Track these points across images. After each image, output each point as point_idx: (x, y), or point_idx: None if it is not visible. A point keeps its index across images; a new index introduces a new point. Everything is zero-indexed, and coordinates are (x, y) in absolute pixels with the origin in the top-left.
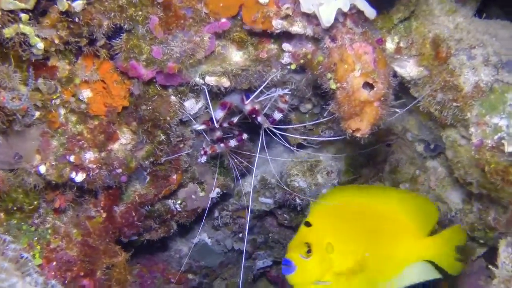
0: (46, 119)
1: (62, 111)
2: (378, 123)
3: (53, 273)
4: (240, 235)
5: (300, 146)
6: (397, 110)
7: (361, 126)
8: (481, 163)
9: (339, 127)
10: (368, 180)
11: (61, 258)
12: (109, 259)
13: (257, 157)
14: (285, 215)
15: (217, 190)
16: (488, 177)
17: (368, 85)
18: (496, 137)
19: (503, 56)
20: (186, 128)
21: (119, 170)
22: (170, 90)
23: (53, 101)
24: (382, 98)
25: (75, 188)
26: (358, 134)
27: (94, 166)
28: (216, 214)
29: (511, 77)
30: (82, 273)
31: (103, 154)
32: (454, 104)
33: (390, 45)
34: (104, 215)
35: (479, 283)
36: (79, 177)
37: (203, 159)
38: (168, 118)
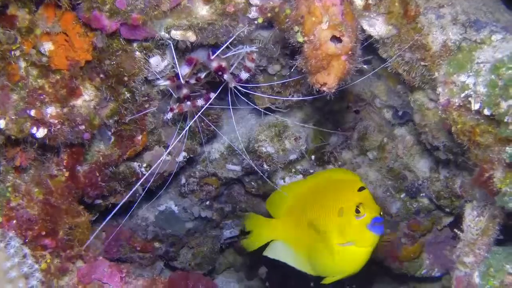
0: (6, 71)
1: (23, 64)
2: (345, 78)
3: (13, 231)
4: (207, 202)
5: (268, 110)
6: (365, 66)
7: (328, 80)
8: (448, 123)
9: (307, 89)
10: (337, 147)
11: (21, 216)
12: (72, 219)
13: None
14: (252, 183)
15: (184, 154)
16: (455, 138)
17: (336, 39)
18: (463, 95)
19: (471, 15)
20: (152, 88)
21: (82, 127)
22: (135, 45)
23: (13, 52)
24: (349, 52)
25: (37, 145)
26: (325, 88)
27: (56, 121)
28: (183, 181)
29: (479, 35)
30: (43, 233)
31: (65, 109)
32: (422, 63)
33: (359, 1)
34: (66, 174)
35: (445, 253)
36: (40, 132)
37: (169, 115)
38: (133, 75)
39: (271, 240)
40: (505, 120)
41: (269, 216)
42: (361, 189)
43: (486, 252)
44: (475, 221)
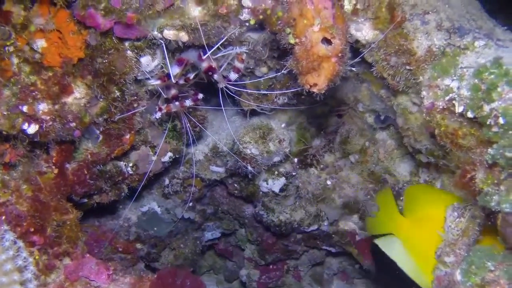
0: None
1: (15, 60)
2: (335, 79)
3: (1, 227)
4: (190, 204)
5: (253, 112)
6: (353, 69)
7: (319, 81)
8: (432, 126)
9: (294, 92)
10: (319, 150)
11: (10, 212)
12: (60, 216)
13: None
14: (235, 185)
15: (169, 154)
16: (438, 141)
17: (326, 41)
18: (447, 98)
19: (455, 21)
20: (141, 88)
21: (73, 124)
22: (127, 44)
23: (6, 48)
24: (339, 54)
25: (27, 141)
26: (315, 89)
27: (48, 117)
28: (167, 182)
29: (463, 41)
30: (32, 229)
31: (56, 106)
32: (407, 67)
33: (347, 6)
34: (55, 171)
35: None
36: (32, 128)
37: (157, 115)
38: (123, 73)
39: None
40: (488, 122)
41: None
42: None
43: (467, 252)
44: (456, 222)
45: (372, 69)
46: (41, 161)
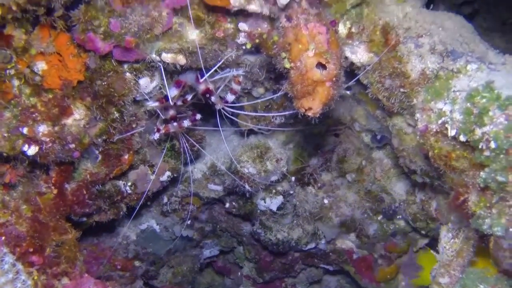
0: None
1: (16, 82)
2: (329, 103)
3: (1, 249)
4: (189, 221)
5: (250, 131)
6: (347, 92)
7: (313, 105)
8: (425, 148)
9: (290, 114)
10: (317, 169)
11: (10, 233)
12: (59, 236)
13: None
14: (233, 203)
15: (168, 173)
16: (432, 163)
17: (321, 66)
18: (440, 121)
19: (448, 45)
20: (139, 108)
21: (72, 145)
22: (125, 66)
23: (7, 71)
24: (334, 79)
25: (27, 162)
26: (310, 113)
27: (48, 139)
28: (165, 200)
29: (455, 65)
30: (31, 249)
31: (56, 128)
32: (401, 90)
33: (342, 30)
34: (55, 191)
35: None
36: (32, 150)
37: (156, 136)
38: (122, 95)
39: None
40: (480, 146)
41: None
42: None
43: (461, 273)
44: (450, 243)
45: (367, 91)
46: (41, 181)
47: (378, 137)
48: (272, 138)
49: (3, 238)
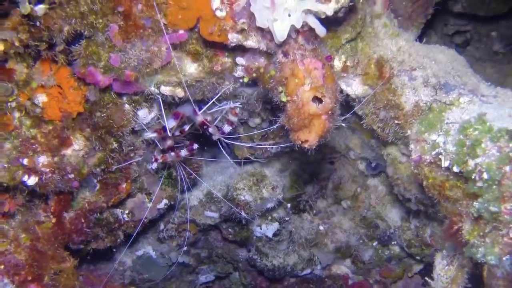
0: (0, 121)
1: (17, 114)
2: (325, 135)
3: (0, 276)
4: (185, 248)
5: (247, 159)
6: (343, 124)
7: (310, 138)
8: (420, 178)
9: (286, 141)
10: (312, 196)
11: (9, 261)
12: (57, 264)
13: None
14: (229, 230)
15: (165, 201)
16: (426, 192)
17: (317, 99)
18: (433, 152)
19: (441, 78)
20: (137, 138)
21: (71, 175)
22: (124, 98)
23: (9, 104)
24: (329, 112)
25: (26, 192)
26: (306, 145)
27: (47, 170)
28: (162, 227)
29: (448, 97)
30: (30, 278)
31: (56, 158)
32: (396, 121)
33: (337, 63)
34: (53, 220)
35: None
36: (31, 180)
37: (154, 165)
38: (121, 126)
39: None
40: (473, 177)
41: None
42: None
43: None
44: (445, 269)
45: (362, 122)
46: (40, 210)
47: (373, 165)
48: (268, 166)
49: (2, 267)
